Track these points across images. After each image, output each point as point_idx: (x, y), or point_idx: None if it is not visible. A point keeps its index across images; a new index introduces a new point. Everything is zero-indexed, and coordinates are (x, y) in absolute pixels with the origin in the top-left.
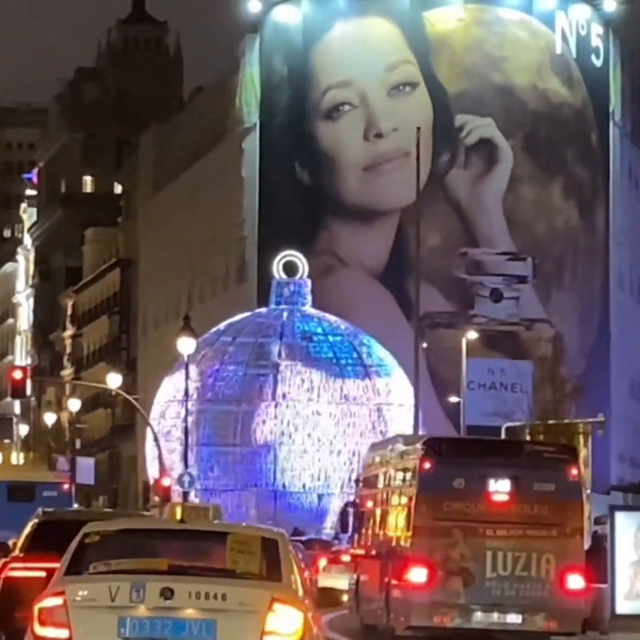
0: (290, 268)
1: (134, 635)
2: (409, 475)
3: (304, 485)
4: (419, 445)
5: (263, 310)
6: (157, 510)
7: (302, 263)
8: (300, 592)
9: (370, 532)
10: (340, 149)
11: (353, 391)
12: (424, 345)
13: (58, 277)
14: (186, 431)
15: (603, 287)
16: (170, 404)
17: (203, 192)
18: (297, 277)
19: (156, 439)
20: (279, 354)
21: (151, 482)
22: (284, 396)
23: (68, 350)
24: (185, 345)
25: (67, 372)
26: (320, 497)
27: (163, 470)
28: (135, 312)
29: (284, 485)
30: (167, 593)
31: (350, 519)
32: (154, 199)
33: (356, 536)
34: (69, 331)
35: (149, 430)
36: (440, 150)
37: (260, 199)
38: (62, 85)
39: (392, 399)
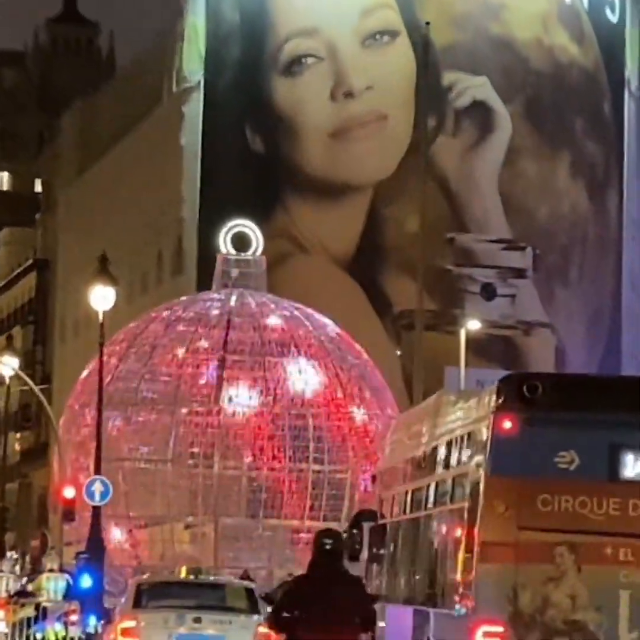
0: (240, 242)
1: None
2: (472, 448)
3: (252, 516)
4: (494, 387)
5: (206, 293)
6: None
7: (255, 236)
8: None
9: (396, 556)
10: (301, 110)
11: (316, 397)
12: (398, 352)
13: None
14: (99, 423)
15: (615, 286)
16: (84, 409)
17: (132, 170)
18: (250, 252)
19: (59, 445)
20: (225, 348)
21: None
22: (230, 400)
23: None
24: (101, 297)
25: None
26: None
27: (64, 478)
28: (52, 320)
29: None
30: (197, 620)
31: (366, 539)
32: (75, 185)
33: (375, 566)
34: None
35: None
36: (424, 113)
37: (202, 172)
38: None
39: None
